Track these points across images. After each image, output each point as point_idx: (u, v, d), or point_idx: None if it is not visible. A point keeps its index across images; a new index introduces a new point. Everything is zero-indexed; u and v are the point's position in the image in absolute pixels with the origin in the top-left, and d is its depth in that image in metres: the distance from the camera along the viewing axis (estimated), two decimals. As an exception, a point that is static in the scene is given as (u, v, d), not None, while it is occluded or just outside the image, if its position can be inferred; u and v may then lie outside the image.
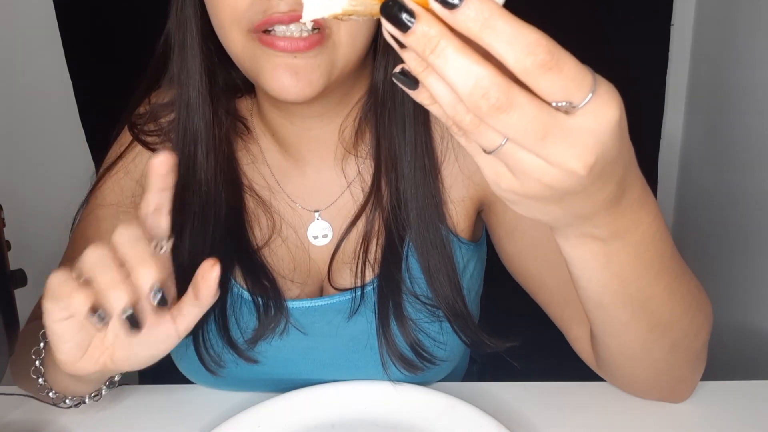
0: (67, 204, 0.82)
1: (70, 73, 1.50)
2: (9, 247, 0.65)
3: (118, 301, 0.52)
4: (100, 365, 0.59)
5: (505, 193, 0.43)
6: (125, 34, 1.42)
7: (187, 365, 0.78)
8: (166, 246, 0.58)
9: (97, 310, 0.52)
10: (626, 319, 0.60)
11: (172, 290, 0.57)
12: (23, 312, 0.71)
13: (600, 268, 0.54)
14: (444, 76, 0.37)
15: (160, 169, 0.55)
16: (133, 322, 0.53)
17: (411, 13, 0.36)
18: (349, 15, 0.39)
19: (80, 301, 0.52)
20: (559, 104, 0.38)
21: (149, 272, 0.53)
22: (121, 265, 0.53)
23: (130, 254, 0.53)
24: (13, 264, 0.65)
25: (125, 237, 0.54)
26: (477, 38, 0.36)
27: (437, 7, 0.36)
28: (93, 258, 0.53)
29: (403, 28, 0.36)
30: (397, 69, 0.40)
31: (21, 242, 0.68)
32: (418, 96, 0.40)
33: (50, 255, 0.86)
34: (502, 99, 0.36)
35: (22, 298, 0.67)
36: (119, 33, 1.45)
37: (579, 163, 0.39)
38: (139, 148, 0.80)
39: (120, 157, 0.81)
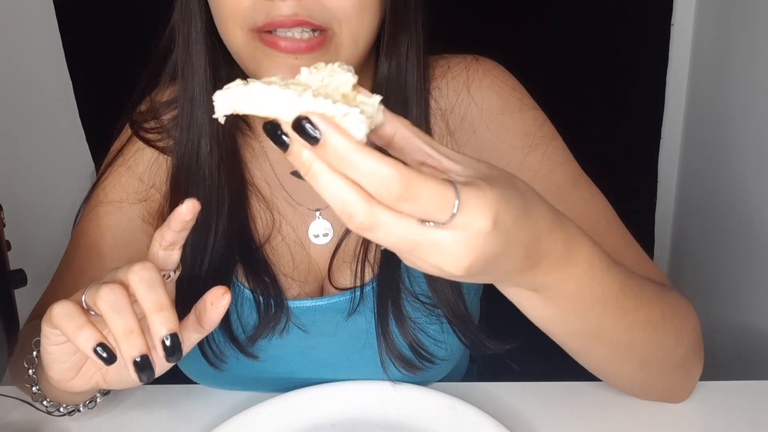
0: (67, 204, 0.82)
1: (70, 73, 1.50)
2: (9, 247, 0.65)
3: (132, 349, 0.51)
4: (92, 384, 0.59)
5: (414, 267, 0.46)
6: (126, 34, 1.41)
7: (187, 362, 0.78)
8: (174, 276, 0.58)
9: (101, 344, 0.51)
10: (580, 346, 0.61)
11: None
12: (23, 312, 0.71)
13: (538, 309, 0.55)
14: (319, 193, 0.41)
15: (185, 216, 0.55)
16: (144, 366, 0.51)
17: (287, 135, 0.40)
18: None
19: (86, 338, 0.52)
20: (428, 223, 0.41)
21: (165, 320, 0.51)
22: (134, 301, 0.52)
23: (147, 299, 0.52)
24: (13, 264, 0.65)
25: (145, 280, 0.52)
26: (338, 169, 0.39)
27: (302, 141, 0.39)
28: (110, 299, 0.52)
29: (283, 147, 0.40)
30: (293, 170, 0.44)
31: (21, 242, 0.68)
32: None
33: (50, 255, 0.86)
34: (365, 222, 0.40)
35: (22, 298, 0.67)
36: (119, 33, 1.44)
37: (453, 267, 0.43)
38: (140, 143, 0.80)
39: (120, 152, 0.80)
